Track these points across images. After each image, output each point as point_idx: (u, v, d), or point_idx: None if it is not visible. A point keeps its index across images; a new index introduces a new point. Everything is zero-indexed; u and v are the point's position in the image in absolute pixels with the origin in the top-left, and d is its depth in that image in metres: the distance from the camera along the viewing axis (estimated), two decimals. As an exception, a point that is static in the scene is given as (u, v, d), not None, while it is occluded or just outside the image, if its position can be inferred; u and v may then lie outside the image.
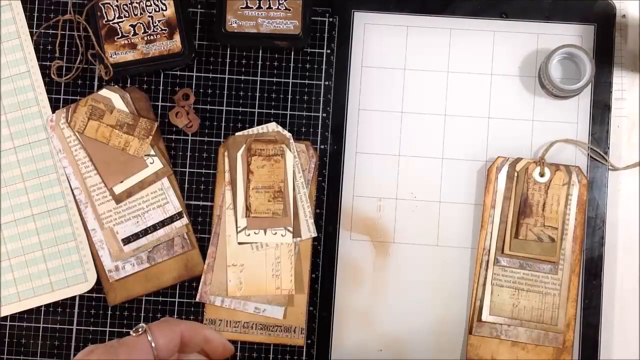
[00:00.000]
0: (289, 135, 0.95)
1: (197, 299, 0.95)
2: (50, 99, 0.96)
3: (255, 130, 0.95)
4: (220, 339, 0.72)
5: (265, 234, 0.94)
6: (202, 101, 0.97)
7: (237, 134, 0.95)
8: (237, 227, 0.94)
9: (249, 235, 0.94)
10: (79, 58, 0.96)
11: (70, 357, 0.95)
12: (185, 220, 0.95)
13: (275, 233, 0.94)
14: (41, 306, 0.95)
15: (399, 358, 0.94)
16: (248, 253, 0.94)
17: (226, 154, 0.95)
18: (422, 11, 0.97)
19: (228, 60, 0.97)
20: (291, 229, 0.94)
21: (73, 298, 0.95)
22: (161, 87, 0.97)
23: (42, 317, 0.95)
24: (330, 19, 0.97)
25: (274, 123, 0.96)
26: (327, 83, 0.97)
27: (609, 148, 0.95)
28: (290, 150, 0.94)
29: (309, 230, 0.95)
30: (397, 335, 0.95)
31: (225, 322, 0.95)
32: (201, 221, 0.96)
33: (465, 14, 0.97)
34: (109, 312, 0.96)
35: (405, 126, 0.96)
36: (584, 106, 0.96)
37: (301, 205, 0.94)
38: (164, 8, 0.95)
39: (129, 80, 0.97)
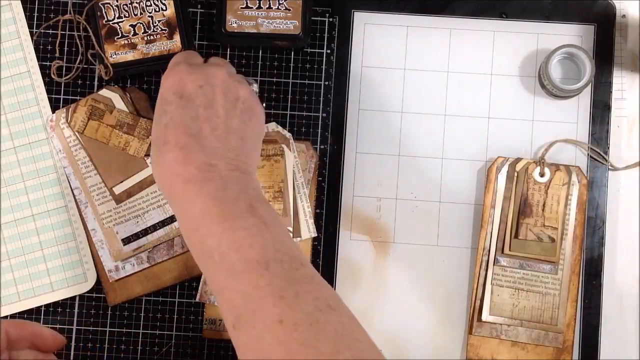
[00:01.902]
0: (288, 135, 0.95)
1: (197, 299, 0.95)
2: (50, 99, 0.96)
3: (255, 130, 0.95)
4: (50, 332, 0.77)
5: (265, 234, 0.94)
6: (202, 101, 0.97)
7: (237, 134, 0.95)
8: (237, 227, 0.94)
9: (249, 235, 0.94)
10: (79, 58, 0.96)
11: (70, 357, 0.95)
12: (185, 220, 0.95)
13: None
14: (41, 306, 0.95)
15: (399, 358, 0.94)
16: (248, 253, 0.94)
17: (226, 154, 0.95)
18: (422, 11, 0.97)
19: (228, 60, 0.97)
20: (291, 229, 0.94)
21: (73, 298, 0.95)
22: (161, 87, 0.97)
23: (42, 317, 0.95)
24: (330, 19, 0.97)
25: (274, 123, 0.95)
26: (327, 83, 0.97)
27: (609, 148, 0.95)
28: (291, 151, 0.94)
29: (309, 230, 0.95)
30: (397, 335, 0.95)
31: (225, 322, 0.95)
32: (201, 221, 0.96)
33: (465, 14, 0.97)
34: (109, 312, 0.96)
35: (405, 126, 0.96)
36: (584, 106, 0.96)
37: (301, 205, 0.94)
38: (164, 8, 0.95)
39: (129, 80, 0.97)
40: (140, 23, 0.95)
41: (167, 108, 0.76)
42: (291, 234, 0.94)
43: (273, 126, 0.95)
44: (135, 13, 0.95)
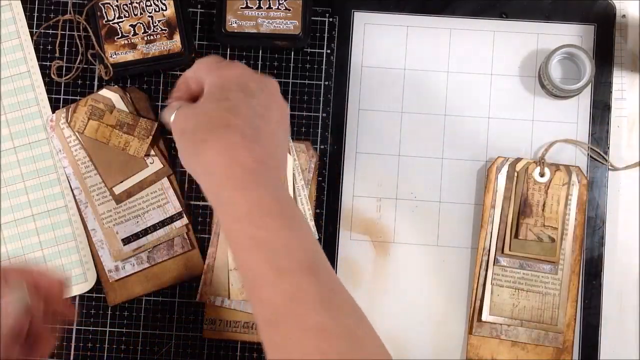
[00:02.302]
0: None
1: (197, 299, 0.95)
2: (50, 99, 0.96)
3: (255, 131, 0.95)
4: (48, 278, 0.76)
5: (265, 234, 0.94)
6: (202, 101, 0.97)
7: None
8: (237, 228, 0.94)
9: (249, 235, 0.94)
10: (79, 58, 0.96)
11: (70, 357, 0.95)
12: (185, 220, 0.95)
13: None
14: (41, 306, 0.95)
15: (399, 358, 0.94)
16: (248, 253, 0.94)
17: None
18: (422, 11, 0.97)
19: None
20: (291, 229, 0.94)
21: (73, 298, 0.95)
22: (161, 87, 0.97)
23: (42, 317, 0.95)
24: (330, 19, 0.97)
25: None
26: (327, 83, 0.97)
27: (609, 148, 0.95)
28: (290, 154, 0.94)
29: (309, 230, 0.95)
30: (397, 335, 0.95)
31: (225, 322, 0.95)
32: (201, 221, 0.96)
33: (465, 14, 0.97)
34: (109, 312, 0.96)
35: (405, 126, 0.96)
36: (584, 106, 0.96)
37: (302, 207, 0.94)
38: (164, 8, 0.95)
39: (129, 80, 0.97)
40: (140, 23, 0.95)
41: (231, 95, 0.75)
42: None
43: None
44: (135, 13, 0.95)
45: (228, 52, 0.97)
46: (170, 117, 0.78)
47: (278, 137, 0.77)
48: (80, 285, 0.95)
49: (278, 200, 0.70)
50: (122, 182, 0.95)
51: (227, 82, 0.76)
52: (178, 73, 0.97)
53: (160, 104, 0.97)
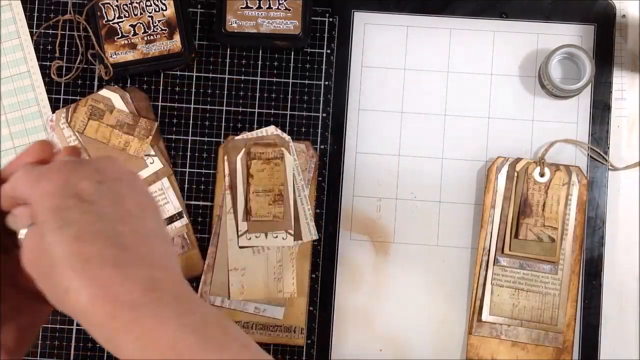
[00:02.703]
0: (288, 138, 0.95)
1: (197, 299, 0.94)
2: (50, 99, 0.96)
3: (254, 133, 0.95)
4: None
5: (266, 237, 0.94)
6: (202, 101, 0.97)
7: (236, 137, 0.95)
8: (237, 231, 0.94)
9: (250, 239, 0.94)
10: (79, 58, 0.96)
11: (70, 357, 0.95)
12: (185, 220, 0.95)
13: (276, 236, 0.94)
14: (41, 306, 0.95)
15: (399, 358, 0.94)
16: (249, 257, 0.94)
17: (226, 157, 0.95)
18: (422, 11, 0.97)
19: (228, 60, 0.97)
20: (292, 232, 0.94)
21: (73, 298, 0.95)
22: (161, 87, 0.97)
23: (42, 317, 0.95)
24: (330, 19, 0.97)
25: (272, 126, 0.95)
26: (327, 83, 0.97)
27: (609, 148, 0.95)
28: (290, 153, 0.94)
29: (309, 232, 0.95)
30: (397, 335, 0.95)
31: (225, 322, 0.95)
32: (201, 221, 0.96)
33: (465, 14, 0.97)
34: (109, 312, 0.95)
35: (405, 126, 0.96)
36: (584, 106, 0.96)
37: (302, 207, 0.94)
38: (164, 8, 0.95)
39: (129, 80, 0.97)
40: (140, 23, 0.95)
41: (68, 215, 0.57)
42: (292, 237, 0.94)
43: (272, 129, 0.95)
44: (135, 13, 0.95)
45: (228, 52, 0.97)
46: (19, 234, 0.62)
47: (151, 225, 0.61)
48: (80, 285, 0.95)
49: (197, 330, 0.56)
50: (122, 182, 0.95)
51: (56, 199, 0.58)
52: (178, 73, 0.97)
53: (160, 104, 0.97)
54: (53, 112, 0.96)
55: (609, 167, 0.95)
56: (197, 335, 0.55)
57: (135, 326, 0.55)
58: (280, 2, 0.94)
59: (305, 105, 0.97)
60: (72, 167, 0.60)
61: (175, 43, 0.95)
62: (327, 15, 0.97)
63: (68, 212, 0.57)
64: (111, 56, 0.94)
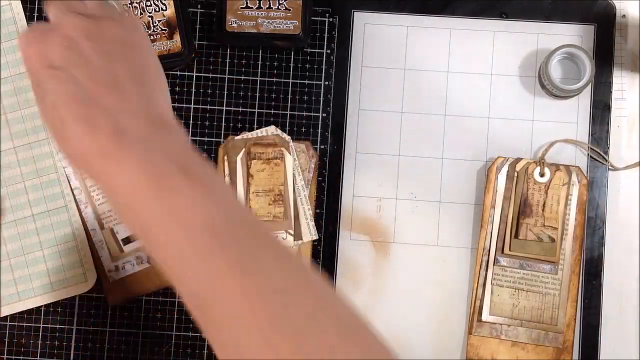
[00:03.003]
0: (288, 138, 0.95)
1: (197, 299, 0.94)
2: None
3: (254, 133, 0.95)
4: None
5: (265, 235, 0.94)
6: (202, 101, 0.97)
7: (236, 137, 0.95)
8: (237, 228, 0.94)
9: (249, 236, 0.94)
10: (79, 58, 0.96)
11: (70, 357, 0.95)
12: (185, 220, 0.95)
13: (276, 236, 0.94)
14: (41, 306, 0.95)
15: (399, 358, 0.94)
16: (248, 253, 0.94)
17: (226, 157, 0.95)
18: (422, 11, 0.97)
19: (228, 60, 0.97)
20: (292, 232, 0.94)
21: (73, 298, 0.95)
22: (161, 87, 0.97)
23: (42, 317, 0.95)
24: (330, 19, 0.97)
25: (272, 126, 0.95)
26: (327, 83, 0.97)
27: (609, 148, 0.95)
28: (290, 153, 0.94)
29: (310, 232, 0.95)
30: (397, 335, 0.95)
31: (225, 322, 0.95)
32: (201, 221, 0.96)
33: (465, 14, 0.97)
34: (109, 312, 0.96)
35: (405, 126, 0.96)
36: (584, 106, 0.96)
37: (302, 207, 0.94)
38: (164, 8, 0.95)
39: (129, 80, 0.97)
40: (141, 23, 0.95)
41: (46, 86, 0.63)
42: (293, 237, 0.94)
43: (272, 129, 0.95)
44: (135, 13, 0.95)
45: (228, 52, 0.97)
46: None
47: (120, 69, 0.65)
48: (80, 285, 0.95)
49: (151, 170, 0.60)
50: (122, 182, 0.95)
51: (34, 71, 0.65)
52: (178, 73, 0.97)
53: (160, 104, 0.97)
54: (53, 112, 0.96)
55: (609, 167, 0.95)
56: (150, 177, 0.59)
57: (104, 173, 0.61)
58: (280, 2, 0.94)
59: (305, 105, 0.97)
60: (38, 35, 0.66)
61: (175, 43, 0.95)
62: (327, 15, 0.97)
63: (45, 83, 0.63)
64: (111, 56, 0.94)
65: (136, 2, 0.95)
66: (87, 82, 0.63)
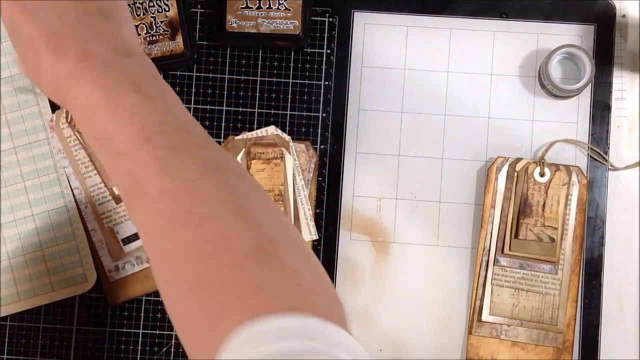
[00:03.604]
0: (288, 138, 0.95)
1: (196, 299, 0.94)
2: (50, 99, 0.96)
3: (255, 133, 0.95)
4: None
5: (265, 234, 0.94)
6: (202, 101, 0.97)
7: (235, 137, 0.95)
8: (237, 228, 0.94)
9: (249, 236, 0.94)
10: (79, 58, 0.97)
11: (70, 357, 0.95)
12: (185, 220, 0.95)
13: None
14: (41, 306, 0.95)
15: (399, 358, 0.94)
16: (248, 253, 0.94)
17: (226, 156, 0.95)
18: (422, 11, 0.97)
19: (228, 60, 0.97)
20: (292, 230, 0.94)
21: (73, 298, 0.95)
22: (161, 87, 0.97)
23: (42, 317, 0.95)
24: (330, 19, 0.97)
25: (272, 126, 0.95)
26: (327, 83, 0.97)
27: (609, 148, 0.95)
28: (290, 153, 0.94)
29: (310, 232, 0.95)
30: (397, 335, 0.95)
31: (225, 322, 0.95)
32: (201, 221, 0.96)
33: (465, 14, 0.97)
34: (109, 312, 0.96)
35: (405, 126, 0.96)
36: (584, 106, 0.96)
37: (302, 207, 0.94)
38: (167, 9, 0.95)
39: (129, 81, 0.97)
40: (143, 24, 0.95)
41: (21, 29, 0.70)
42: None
43: (272, 129, 0.95)
44: (138, 14, 0.95)
45: (228, 52, 0.97)
46: None
47: (88, 4, 0.71)
48: (80, 285, 0.95)
49: (106, 86, 0.66)
50: (122, 182, 0.95)
51: (7, 17, 0.72)
52: (178, 73, 0.97)
53: (160, 104, 0.97)
54: (53, 112, 0.96)
55: (609, 167, 0.95)
56: (104, 92, 0.66)
57: (68, 91, 0.67)
58: (280, 2, 0.94)
59: (305, 105, 0.97)
60: None
61: (178, 44, 0.95)
62: (327, 15, 0.97)
63: (20, 26, 0.70)
64: (111, 56, 0.94)
65: (139, 2, 0.95)
66: (55, 15, 0.69)
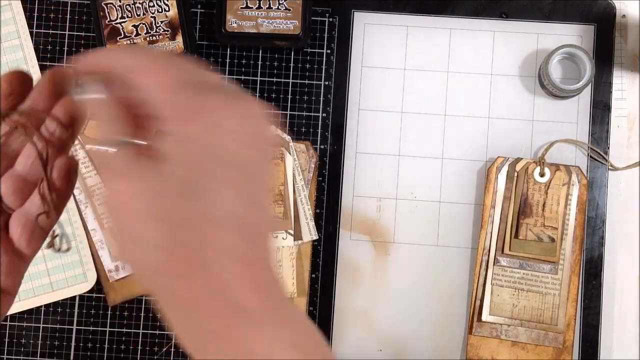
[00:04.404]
0: (288, 138, 0.95)
1: (196, 299, 0.94)
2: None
3: (255, 132, 0.95)
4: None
5: (265, 234, 0.94)
6: (202, 101, 0.97)
7: (236, 136, 0.95)
8: (237, 228, 0.94)
9: (248, 235, 0.94)
10: (79, 58, 0.97)
11: (70, 357, 0.95)
12: (185, 220, 0.95)
13: (276, 236, 0.94)
14: (41, 306, 0.95)
15: (399, 358, 0.94)
16: (248, 253, 0.94)
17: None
18: (422, 11, 0.97)
19: (228, 60, 0.97)
20: (292, 232, 0.94)
21: (73, 298, 0.95)
22: (161, 87, 0.97)
23: (42, 317, 0.95)
24: (330, 19, 0.97)
25: (272, 127, 0.95)
26: (327, 83, 0.97)
27: (609, 148, 0.95)
28: (290, 153, 0.94)
29: (309, 232, 0.95)
30: (397, 335, 0.94)
31: (225, 322, 0.95)
32: (201, 221, 0.96)
33: (465, 14, 0.97)
34: (109, 312, 0.96)
35: (405, 126, 0.96)
36: (584, 106, 0.96)
37: (302, 207, 0.94)
38: (167, 9, 0.95)
39: (129, 81, 0.97)
40: (143, 24, 0.95)
41: (207, 183, 0.45)
42: (292, 237, 0.94)
43: (272, 129, 0.95)
44: (138, 13, 0.95)
45: (228, 52, 0.97)
46: (103, 163, 0.48)
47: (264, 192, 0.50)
48: (80, 285, 0.95)
49: (301, 348, 0.47)
50: (122, 182, 0.95)
51: (196, 150, 0.46)
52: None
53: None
54: (53, 112, 0.96)
55: (609, 167, 0.95)
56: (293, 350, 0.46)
57: (237, 331, 0.46)
58: (280, 2, 0.94)
59: (305, 105, 0.97)
60: (216, 95, 0.47)
61: (178, 44, 0.95)
62: (327, 15, 0.97)
63: (210, 179, 0.44)
64: (111, 56, 0.94)
65: (139, 3, 0.95)
66: (255, 196, 0.48)
